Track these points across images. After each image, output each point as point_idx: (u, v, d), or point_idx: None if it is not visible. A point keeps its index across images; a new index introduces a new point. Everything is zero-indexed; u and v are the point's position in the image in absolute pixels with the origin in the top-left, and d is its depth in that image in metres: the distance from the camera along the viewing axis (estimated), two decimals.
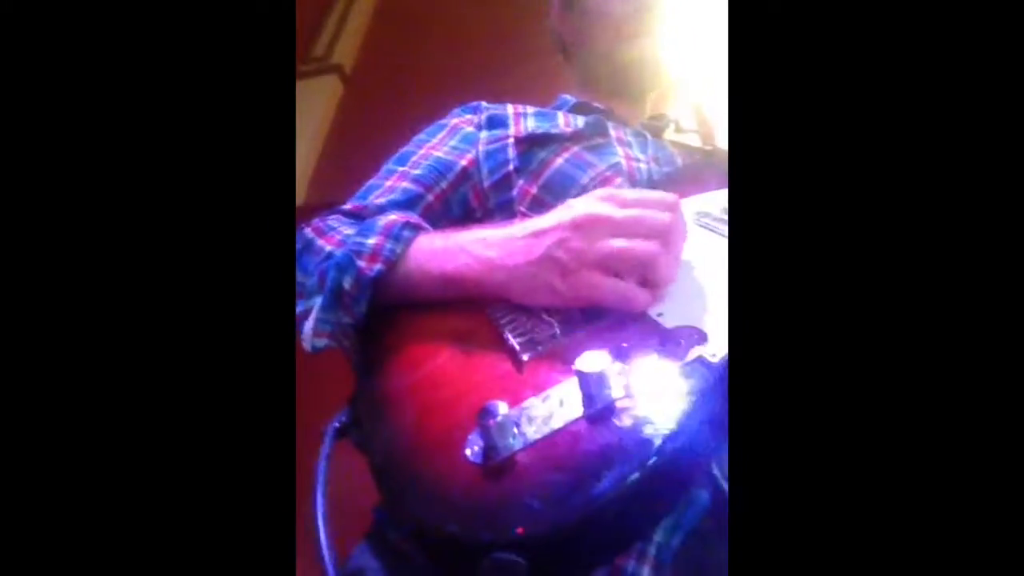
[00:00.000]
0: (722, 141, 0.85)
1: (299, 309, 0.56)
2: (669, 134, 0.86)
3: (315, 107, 2.08)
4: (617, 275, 0.46)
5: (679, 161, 0.76)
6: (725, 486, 0.48)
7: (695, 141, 0.87)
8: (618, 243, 0.46)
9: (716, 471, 0.48)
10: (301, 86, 2.09)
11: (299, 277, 0.58)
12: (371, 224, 0.56)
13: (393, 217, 0.57)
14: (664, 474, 0.35)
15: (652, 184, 0.67)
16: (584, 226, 0.47)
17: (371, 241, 0.54)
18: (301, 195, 1.89)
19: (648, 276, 0.46)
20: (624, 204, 0.48)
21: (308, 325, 0.54)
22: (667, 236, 0.46)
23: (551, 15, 0.95)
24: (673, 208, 0.48)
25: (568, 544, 0.35)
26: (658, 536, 0.46)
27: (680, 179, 0.68)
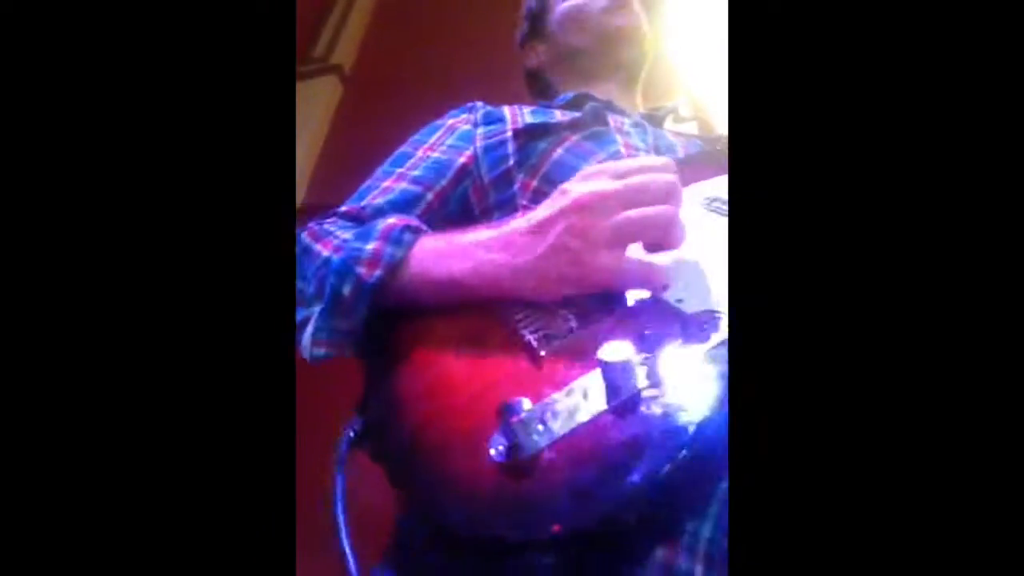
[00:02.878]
0: (721, 128, 0.85)
1: (298, 317, 0.55)
2: (668, 124, 0.86)
3: (315, 108, 2.08)
4: (627, 250, 0.44)
5: (680, 151, 0.75)
6: None
7: (694, 129, 0.87)
8: (631, 213, 0.44)
9: None
10: (301, 87, 2.09)
11: (298, 284, 0.56)
12: (370, 229, 0.55)
13: (392, 221, 0.55)
14: (697, 463, 0.34)
15: None
16: (588, 206, 0.45)
17: (370, 246, 0.52)
18: (301, 196, 1.89)
19: (664, 241, 0.45)
20: (621, 174, 0.46)
21: (307, 334, 0.52)
22: (675, 196, 0.45)
23: (524, 54, 0.97)
24: (671, 168, 0.47)
25: (599, 540, 0.34)
26: (706, 531, 0.43)
27: (683, 168, 0.67)
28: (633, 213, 0.44)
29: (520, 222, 0.49)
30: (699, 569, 0.42)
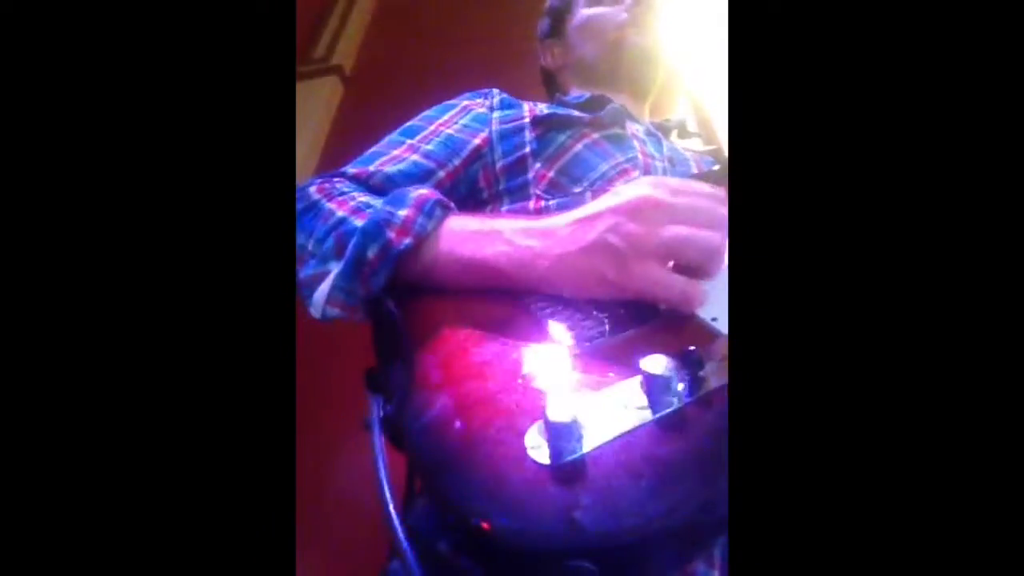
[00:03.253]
0: (724, 139, 0.86)
1: (303, 273, 0.53)
2: (674, 138, 0.85)
3: (315, 108, 2.08)
4: (669, 266, 0.43)
5: (693, 166, 0.74)
6: None
7: (698, 145, 0.87)
8: (682, 230, 0.43)
9: None
10: (301, 87, 2.09)
11: (301, 239, 0.54)
12: (402, 196, 0.52)
13: (425, 192, 0.53)
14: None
15: None
16: (641, 210, 0.44)
17: (402, 212, 0.50)
18: None
19: (704, 267, 0.44)
20: (677, 192, 0.45)
21: (321, 291, 0.51)
22: (724, 227, 0.44)
23: (541, 49, 0.96)
24: (723, 200, 0.45)
25: (641, 552, 0.33)
26: (724, 538, 0.43)
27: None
28: (680, 230, 0.43)
29: (563, 216, 0.48)
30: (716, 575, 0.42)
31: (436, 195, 0.53)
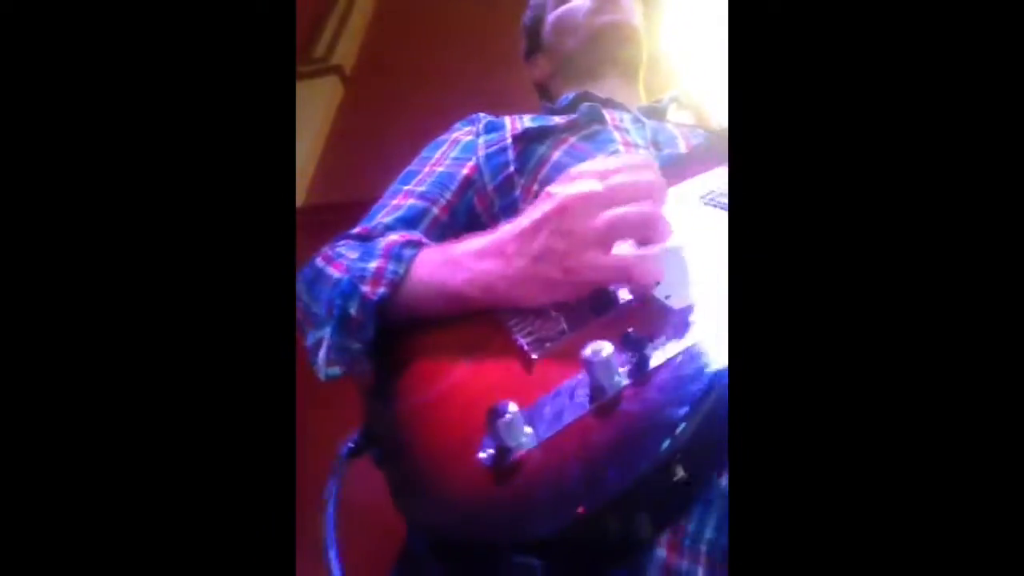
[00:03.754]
0: (717, 118, 0.86)
1: (311, 340, 0.56)
2: (672, 113, 0.86)
3: (315, 108, 2.08)
4: (613, 248, 0.45)
5: (682, 142, 0.75)
6: None
7: (692, 119, 0.87)
8: (613, 212, 0.45)
9: None
10: (301, 87, 2.09)
11: (313, 308, 0.57)
12: (372, 247, 0.56)
13: (394, 238, 0.56)
14: (684, 460, 0.34)
15: None
16: (571, 208, 0.46)
17: (372, 265, 0.53)
18: (301, 196, 1.89)
19: (650, 238, 0.45)
20: (603, 175, 0.47)
21: (321, 354, 0.53)
22: (657, 194, 0.46)
23: (529, 68, 0.99)
24: (652, 166, 0.47)
25: (584, 541, 0.34)
26: (708, 532, 0.42)
27: (683, 163, 0.67)
28: (611, 213, 0.45)
29: (509, 228, 0.50)
30: (700, 571, 0.42)
31: (405, 237, 0.56)
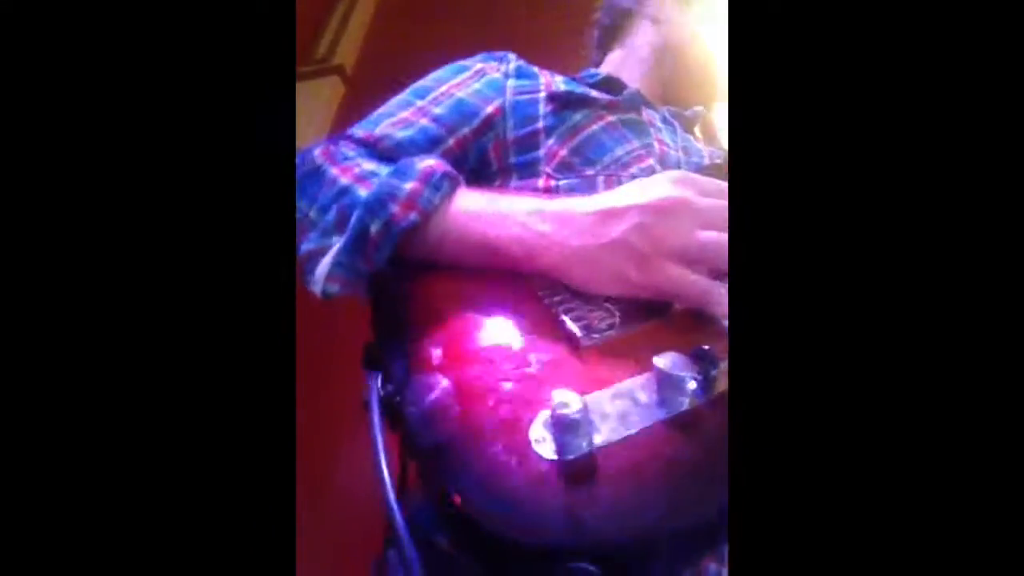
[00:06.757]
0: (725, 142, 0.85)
1: (304, 248, 0.51)
2: (698, 131, 0.83)
3: (317, 108, 2.08)
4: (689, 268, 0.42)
5: (706, 158, 0.72)
6: None
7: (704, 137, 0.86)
8: (707, 235, 0.42)
9: None
10: (303, 87, 2.09)
11: (303, 206, 0.52)
12: (407, 166, 0.49)
13: (432, 163, 0.50)
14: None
15: None
16: (666, 211, 0.43)
17: (408, 185, 0.47)
18: None
19: (721, 271, 0.42)
20: (705, 192, 0.44)
21: (322, 267, 0.49)
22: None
23: (595, 55, 0.92)
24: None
25: (645, 554, 0.32)
26: None
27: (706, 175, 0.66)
28: (711, 235, 0.42)
29: (583, 202, 0.46)
30: (726, 572, 0.41)
31: (444, 166, 0.50)
